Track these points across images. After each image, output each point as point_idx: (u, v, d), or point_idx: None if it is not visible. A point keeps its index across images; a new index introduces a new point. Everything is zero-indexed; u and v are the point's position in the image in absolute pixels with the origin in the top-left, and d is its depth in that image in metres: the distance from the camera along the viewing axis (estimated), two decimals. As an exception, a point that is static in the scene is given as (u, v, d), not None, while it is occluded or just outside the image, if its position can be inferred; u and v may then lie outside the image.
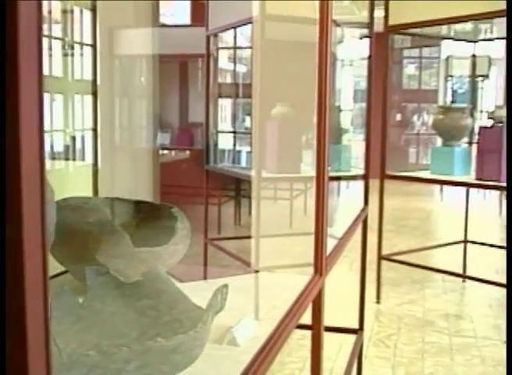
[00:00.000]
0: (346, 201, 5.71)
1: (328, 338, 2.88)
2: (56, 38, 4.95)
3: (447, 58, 9.39)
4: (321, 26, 1.54)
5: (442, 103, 9.15)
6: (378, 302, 3.88)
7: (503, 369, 2.93)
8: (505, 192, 5.77)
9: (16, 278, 0.36)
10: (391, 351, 3.14)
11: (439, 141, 4.15)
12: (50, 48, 4.77)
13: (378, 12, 3.68)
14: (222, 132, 5.15)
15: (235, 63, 5.00)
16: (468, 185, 3.81)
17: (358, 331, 2.71)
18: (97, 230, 1.12)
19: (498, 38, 4.76)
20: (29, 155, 0.36)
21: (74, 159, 5.04)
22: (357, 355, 2.65)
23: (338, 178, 4.10)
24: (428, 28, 4.10)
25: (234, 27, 3.89)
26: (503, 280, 3.38)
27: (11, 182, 0.35)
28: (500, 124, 3.59)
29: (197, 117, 6.01)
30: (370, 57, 2.94)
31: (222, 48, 5.00)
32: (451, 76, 9.53)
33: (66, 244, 1.14)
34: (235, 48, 4.63)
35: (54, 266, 1.30)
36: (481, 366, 2.97)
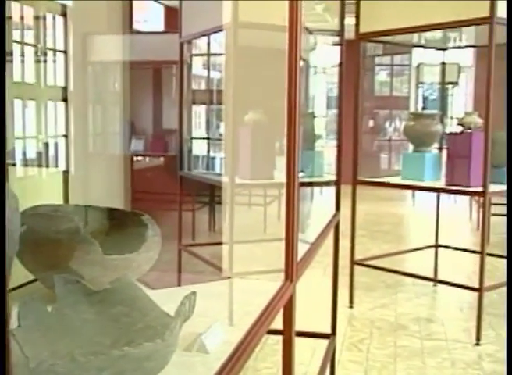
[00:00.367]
0: (320, 206, 5.75)
1: (301, 343, 2.91)
2: (28, 44, 4.90)
3: (418, 66, 9.53)
4: (290, 33, 1.55)
5: (413, 110, 9.28)
6: (351, 307, 3.92)
7: (472, 371, 2.99)
8: (475, 197, 5.86)
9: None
10: (364, 355, 3.18)
11: (410, 147, 4.21)
12: (22, 55, 4.73)
13: (350, 20, 3.73)
14: (196, 138, 5.15)
15: (209, 70, 5.02)
16: (438, 190, 3.87)
17: (331, 336, 2.74)
18: (66, 238, 1.13)
19: (467, 46, 4.86)
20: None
21: (47, 166, 5.00)
22: (330, 359, 2.67)
23: (310, 184, 4.13)
24: (400, 36, 4.16)
25: (207, 34, 3.91)
26: (474, 284, 3.44)
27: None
28: (469, 130, 3.66)
29: (172, 124, 6.00)
30: (341, 64, 2.97)
31: (196, 54, 5.02)
32: (422, 83, 9.68)
33: (35, 252, 1.14)
34: (208, 54, 4.64)
35: (24, 274, 1.29)
36: (452, 369, 3.01)
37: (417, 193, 8.05)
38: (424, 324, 3.66)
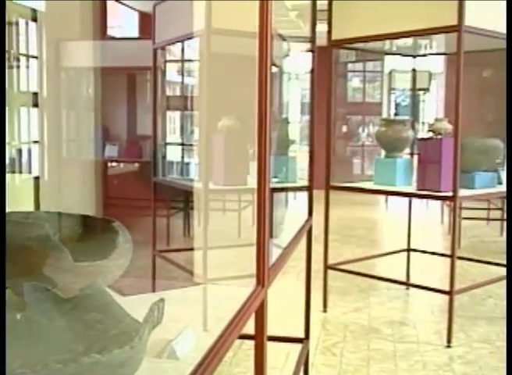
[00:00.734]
0: (294, 211, 5.79)
1: (275, 348, 2.92)
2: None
3: (390, 72, 9.66)
4: (260, 39, 1.56)
5: (386, 115, 9.40)
6: (325, 311, 3.95)
7: (443, 373, 3.03)
8: (446, 202, 5.95)
9: None
10: (337, 359, 3.21)
11: (383, 153, 4.26)
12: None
13: (322, 27, 3.77)
14: (171, 144, 5.15)
15: (183, 76, 5.03)
16: (410, 195, 3.93)
17: (304, 340, 2.76)
18: (37, 245, 1.13)
19: (437, 53, 4.95)
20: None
21: (21, 172, 4.96)
22: (304, 363, 2.69)
23: (282, 189, 4.16)
24: (372, 43, 4.22)
25: (180, 41, 3.92)
26: (445, 287, 3.50)
27: None
28: (440, 136, 3.72)
29: (146, 129, 5.99)
30: (313, 71, 3.01)
31: (170, 60, 5.02)
32: (394, 89, 9.81)
33: (7, 259, 1.14)
34: (182, 60, 4.66)
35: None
36: (423, 371, 3.06)
37: (390, 198, 8.14)
38: (397, 327, 3.71)
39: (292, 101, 9.00)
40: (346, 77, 10.23)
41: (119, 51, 5.35)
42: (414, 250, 4.62)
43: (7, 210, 1.26)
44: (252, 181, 3.41)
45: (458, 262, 3.70)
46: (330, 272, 4.01)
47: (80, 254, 1.23)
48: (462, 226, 6.01)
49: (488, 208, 6.91)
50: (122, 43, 5.79)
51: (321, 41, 3.70)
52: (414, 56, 4.62)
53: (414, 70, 4.71)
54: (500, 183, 3.88)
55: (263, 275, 1.61)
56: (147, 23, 5.30)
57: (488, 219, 7.05)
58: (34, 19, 3.79)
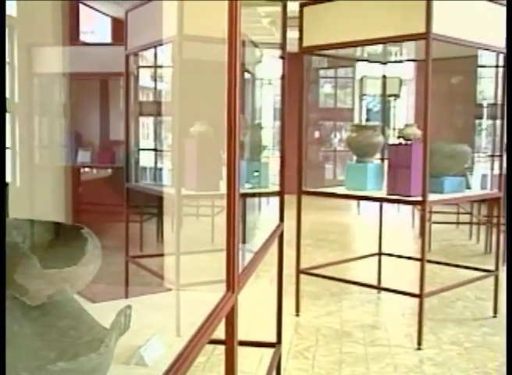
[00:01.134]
0: (267, 216, 5.82)
1: (248, 352, 2.94)
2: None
3: (361, 79, 9.76)
4: (229, 44, 1.58)
5: (357, 121, 9.50)
6: (297, 315, 3.98)
7: (413, 376, 3.08)
8: (417, 206, 6.03)
9: None
10: (310, 362, 3.23)
11: (355, 158, 4.32)
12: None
13: (294, 34, 3.81)
14: (143, 150, 5.14)
15: (155, 81, 5.03)
16: (380, 200, 3.98)
17: (276, 344, 2.78)
18: (5, 253, 1.13)
19: (407, 60, 5.02)
20: None
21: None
22: (276, 367, 2.71)
23: (254, 195, 4.18)
24: (343, 50, 4.28)
25: (152, 47, 3.92)
26: (415, 290, 3.55)
27: None
28: (409, 142, 3.78)
29: (119, 135, 5.97)
30: (283, 77, 3.04)
31: (142, 66, 5.02)
32: (365, 95, 9.92)
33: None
34: (155, 66, 4.66)
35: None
36: (394, 374, 3.10)
37: (362, 202, 8.22)
38: (369, 331, 3.75)
39: (265, 107, 9.06)
40: (318, 83, 10.32)
41: (92, 56, 5.33)
42: (386, 254, 4.68)
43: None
44: (224, 186, 3.43)
45: (428, 266, 3.76)
46: (303, 276, 4.04)
47: (50, 261, 1.23)
48: (432, 230, 6.11)
49: (458, 213, 7.02)
50: (95, 49, 5.77)
51: (293, 47, 3.74)
52: (385, 63, 4.69)
53: (384, 77, 4.78)
54: (469, 187, 3.96)
55: (233, 281, 1.63)
56: (119, 28, 5.30)
57: (457, 223, 7.17)
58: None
